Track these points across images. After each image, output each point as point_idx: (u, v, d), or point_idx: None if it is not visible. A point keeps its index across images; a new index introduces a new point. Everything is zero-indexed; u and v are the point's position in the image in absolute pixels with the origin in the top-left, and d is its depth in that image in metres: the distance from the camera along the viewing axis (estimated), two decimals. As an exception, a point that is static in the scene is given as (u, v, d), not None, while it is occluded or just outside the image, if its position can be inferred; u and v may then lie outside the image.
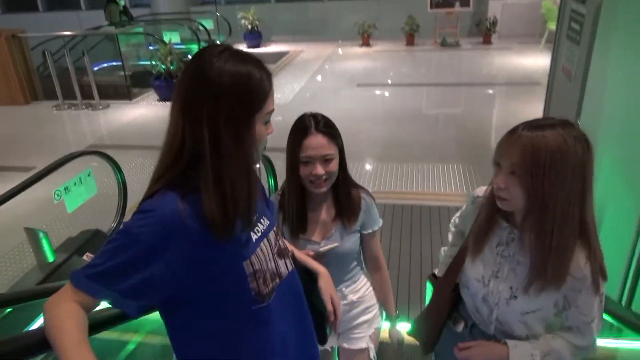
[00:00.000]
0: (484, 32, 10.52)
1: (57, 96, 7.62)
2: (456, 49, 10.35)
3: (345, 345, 1.86)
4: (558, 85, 4.54)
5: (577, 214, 1.16)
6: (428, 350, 1.62)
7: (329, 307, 1.32)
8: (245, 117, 0.99)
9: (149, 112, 7.22)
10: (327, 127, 1.54)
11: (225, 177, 0.97)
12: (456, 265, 1.47)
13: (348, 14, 11.53)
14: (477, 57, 9.65)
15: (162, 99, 7.64)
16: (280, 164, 2.02)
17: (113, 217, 3.84)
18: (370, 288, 1.84)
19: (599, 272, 1.21)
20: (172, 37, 8.91)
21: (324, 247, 1.62)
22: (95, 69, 7.92)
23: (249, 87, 0.98)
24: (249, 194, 1.00)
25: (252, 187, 1.01)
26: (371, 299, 1.83)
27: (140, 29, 10.07)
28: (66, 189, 3.13)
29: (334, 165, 1.55)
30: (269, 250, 1.14)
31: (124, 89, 7.84)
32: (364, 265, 1.84)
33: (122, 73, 8.05)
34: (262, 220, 1.16)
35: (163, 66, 7.38)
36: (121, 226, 0.98)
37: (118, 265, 0.94)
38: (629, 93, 2.64)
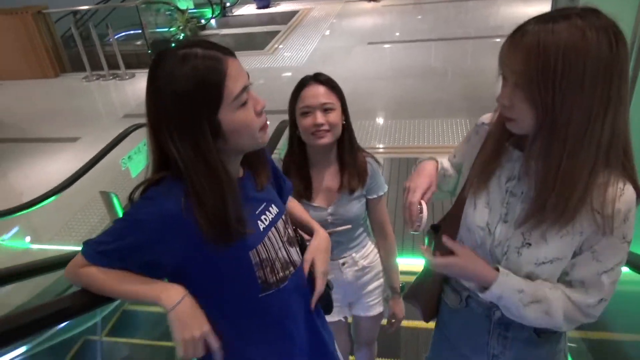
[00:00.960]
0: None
1: (85, 68, 8.08)
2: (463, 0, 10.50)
3: (361, 313, 1.85)
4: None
5: (599, 133, 0.90)
6: (427, 319, 1.48)
7: (305, 267, 1.18)
8: (197, 123, 0.94)
9: (173, 80, 7.67)
10: (327, 79, 1.53)
11: (196, 184, 0.95)
12: (452, 217, 1.24)
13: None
14: (483, 8, 9.81)
15: (183, 65, 8.07)
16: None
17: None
18: (378, 254, 1.82)
19: (630, 212, 0.96)
20: (187, 4, 9.22)
21: (336, 229, 1.61)
22: (117, 36, 8.30)
23: (192, 91, 0.92)
24: (222, 201, 0.97)
25: (223, 192, 0.97)
26: (380, 265, 1.83)
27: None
28: (129, 157, 3.67)
29: (335, 117, 1.51)
30: (277, 239, 1.12)
31: (146, 58, 8.24)
32: (370, 230, 1.81)
33: (141, 42, 8.45)
34: (270, 208, 1.14)
35: (183, 34, 7.76)
36: (128, 210, 1.02)
37: (124, 246, 0.98)
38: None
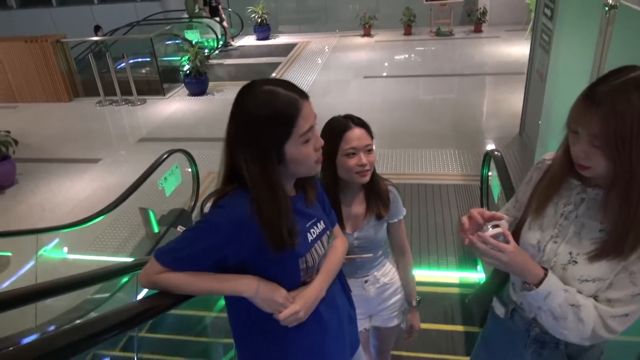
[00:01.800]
0: (475, 21, 11.49)
1: (98, 93, 8.58)
2: (450, 38, 11.33)
3: (380, 325, 2.01)
4: (534, 83, 5.61)
5: None
6: (481, 324, 1.61)
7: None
8: (267, 151, 1.14)
9: (183, 107, 8.21)
10: (362, 122, 1.68)
11: (259, 198, 1.15)
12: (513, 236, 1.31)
13: (349, 3, 12.52)
14: (469, 47, 10.63)
15: (192, 94, 8.63)
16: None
17: (190, 198, 4.90)
18: (397, 271, 1.97)
19: None
20: (193, 36, 9.86)
21: (358, 257, 1.78)
22: (122, 65, 8.84)
23: (269, 125, 1.12)
24: (279, 215, 1.15)
25: (280, 208, 1.16)
26: (399, 281, 1.97)
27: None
28: (165, 178, 4.19)
29: (374, 156, 1.67)
30: (320, 252, 1.32)
31: (157, 85, 8.79)
32: (389, 250, 1.97)
33: (149, 69, 9.03)
34: (318, 223, 1.33)
35: (192, 65, 8.35)
36: (202, 217, 1.19)
37: (199, 250, 1.16)
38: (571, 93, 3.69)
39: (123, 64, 8.55)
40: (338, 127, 1.64)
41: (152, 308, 1.24)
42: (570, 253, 1.18)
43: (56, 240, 4.51)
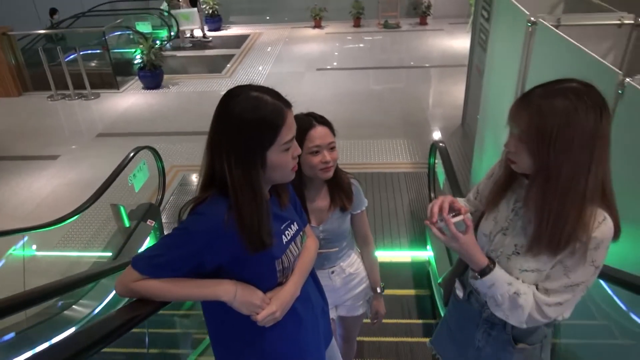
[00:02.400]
0: (420, 14, 12.04)
1: (48, 87, 8.45)
2: (397, 30, 11.85)
3: (346, 314, 2.08)
4: (474, 77, 6.13)
5: (583, 184, 1.12)
6: (444, 303, 1.72)
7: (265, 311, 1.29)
8: (252, 156, 1.16)
9: (139, 101, 8.25)
10: (325, 120, 1.71)
11: (240, 202, 1.16)
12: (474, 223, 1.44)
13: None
14: (415, 39, 11.17)
15: (147, 87, 8.68)
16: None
17: (157, 192, 5.07)
18: (361, 261, 2.04)
19: (602, 243, 1.17)
20: (145, 28, 9.82)
21: (324, 251, 1.84)
22: (71, 56, 8.71)
23: (256, 131, 1.14)
24: (258, 217, 1.18)
25: (260, 211, 1.18)
26: (364, 270, 2.04)
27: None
28: (134, 175, 4.37)
29: (337, 153, 1.71)
30: (295, 253, 1.37)
31: (110, 78, 8.75)
32: (353, 242, 2.03)
33: (101, 62, 8.96)
34: (292, 225, 1.38)
35: (146, 59, 8.38)
36: (180, 224, 1.20)
37: (176, 257, 1.18)
38: (500, 89, 4.16)
39: (73, 56, 8.43)
40: (301, 126, 1.64)
41: (134, 317, 1.25)
42: (515, 245, 1.28)
43: (25, 239, 4.60)
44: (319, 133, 1.65)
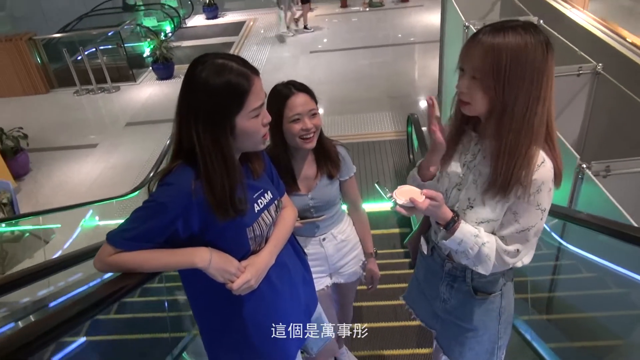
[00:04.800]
0: (402, -9, 13.01)
1: (72, 83, 9.49)
2: (381, 9, 12.84)
3: (341, 281, 2.05)
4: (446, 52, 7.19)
5: (535, 115, 1.16)
6: (411, 265, 1.75)
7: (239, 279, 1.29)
8: (220, 121, 1.18)
9: (155, 91, 9.33)
10: (304, 87, 1.70)
11: (209, 170, 1.19)
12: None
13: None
14: (398, 17, 12.17)
15: (161, 78, 9.74)
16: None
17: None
18: (353, 227, 2.03)
19: (543, 185, 1.21)
20: (151, 23, 10.81)
21: (313, 219, 1.85)
22: (87, 52, 9.70)
23: (222, 96, 1.17)
24: (229, 185, 1.20)
25: (231, 178, 1.21)
26: (356, 236, 2.04)
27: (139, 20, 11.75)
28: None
29: (319, 119, 1.70)
30: (268, 221, 1.39)
31: (126, 71, 9.79)
32: (344, 209, 2.02)
33: (117, 57, 9.97)
34: (265, 194, 1.39)
35: (158, 53, 9.42)
36: (150, 196, 1.23)
37: (149, 228, 1.20)
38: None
39: (88, 52, 9.40)
40: (280, 95, 1.67)
41: (118, 289, 1.26)
42: (469, 199, 1.31)
43: (90, 212, 5.79)
44: (298, 101, 1.67)
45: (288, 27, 11.58)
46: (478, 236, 1.29)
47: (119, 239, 1.21)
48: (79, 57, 9.41)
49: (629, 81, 3.02)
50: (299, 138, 1.68)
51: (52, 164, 7.22)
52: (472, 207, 1.31)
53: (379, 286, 2.14)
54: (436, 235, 1.48)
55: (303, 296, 1.58)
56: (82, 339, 2.53)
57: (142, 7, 12.18)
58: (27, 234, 5.54)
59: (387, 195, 1.31)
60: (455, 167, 1.38)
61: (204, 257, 1.24)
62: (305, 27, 11.74)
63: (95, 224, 5.81)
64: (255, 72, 1.23)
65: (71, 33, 9.66)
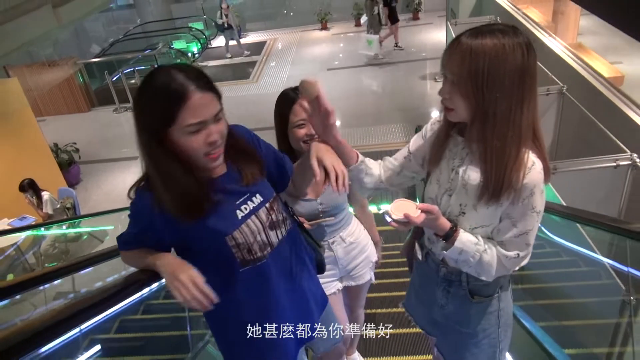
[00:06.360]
0: (413, 10, 13.78)
1: (110, 102, 10.48)
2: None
3: (352, 283, 2.07)
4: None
5: (519, 119, 1.15)
6: (409, 269, 1.76)
7: (315, 170, 1.27)
8: (147, 129, 1.16)
9: (187, 108, 10.19)
10: None
11: (151, 178, 1.22)
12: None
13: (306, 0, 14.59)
14: (410, 34, 12.90)
15: (191, 95, 10.62)
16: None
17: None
18: (362, 228, 2.06)
19: (535, 187, 1.19)
20: (180, 45, 11.77)
21: (320, 221, 1.87)
22: (118, 76, 10.65)
23: (151, 102, 1.14)
24: (172, 192, 1.19)
25: (170, 192, 1.19)
26: (365, 238, 2.07)
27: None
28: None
29: None
30: (258, 225, 1.33)
31: (160, 91, 10.71)
32: (351, 213, 2.06)
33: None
34: (253, 198, 1.34)
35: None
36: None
37: (135, 233, 1.32)
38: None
39: (126, 71, 10.33)
40: (287, 100, 1.69)
41: (136, 281, 1.38)
42: (460, 205, 1.31)
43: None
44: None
45: (377, 52, 11.19)
46: (478, 244, 1.29)
47: (119, 242, 1.37)
48: (115, 78, 10.37)
49: (587, 100, 3.70)
50: (304, 143, 1.72)
51: (100, 174, 8.12)
52: (464, 213, 1.31)
53: (383, 294, 2.28)
54: (430, 242, 1.50)
55: (307, 287, 1.54)
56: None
57: (169, 31, 13.08)
58: (86, 236, 6.37)
59: (382, 212, 1.32)
60: (444, 172, 1.37)
61: (162, 259, 1.27)
62: (396, 45, 11.67)
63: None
64: (203, 87, 1.14)
65: (109, 58, 10.63)
